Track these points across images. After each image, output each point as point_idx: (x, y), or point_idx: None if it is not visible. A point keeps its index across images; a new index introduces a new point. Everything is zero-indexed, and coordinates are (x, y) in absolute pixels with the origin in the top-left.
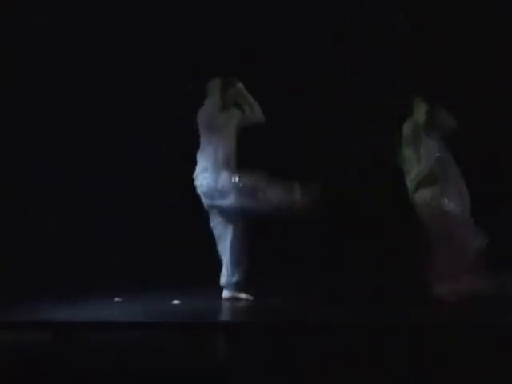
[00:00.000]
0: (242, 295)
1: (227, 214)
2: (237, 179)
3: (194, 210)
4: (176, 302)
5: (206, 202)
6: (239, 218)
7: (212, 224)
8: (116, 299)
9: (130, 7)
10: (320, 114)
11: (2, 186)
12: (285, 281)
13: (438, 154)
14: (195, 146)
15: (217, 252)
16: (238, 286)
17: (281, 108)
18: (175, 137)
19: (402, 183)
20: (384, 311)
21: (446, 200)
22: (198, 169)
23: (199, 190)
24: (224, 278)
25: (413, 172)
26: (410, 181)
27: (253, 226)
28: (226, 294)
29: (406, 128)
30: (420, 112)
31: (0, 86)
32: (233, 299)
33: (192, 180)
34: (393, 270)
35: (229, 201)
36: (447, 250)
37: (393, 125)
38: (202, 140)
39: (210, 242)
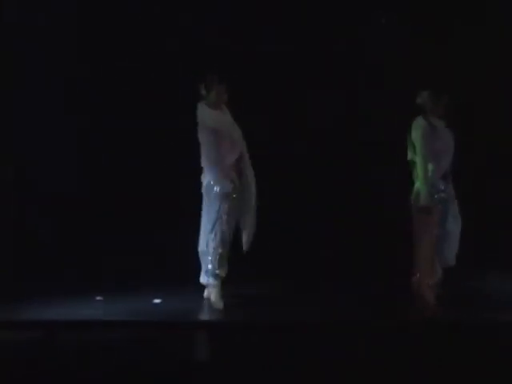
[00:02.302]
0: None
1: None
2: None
3: (179, 209)
4: (157, 300)
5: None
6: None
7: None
8: (97, 298)
9: (130, 7)
10: (322, 113)
11: None
12: (276, 279)
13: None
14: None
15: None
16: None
17: (281, 106)
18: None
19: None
20: (380, 310)
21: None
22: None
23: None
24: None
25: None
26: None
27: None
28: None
29: (419, 124)
30: (435, 105)
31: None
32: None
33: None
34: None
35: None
36: (429, 245)
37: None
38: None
39: (193, 240)
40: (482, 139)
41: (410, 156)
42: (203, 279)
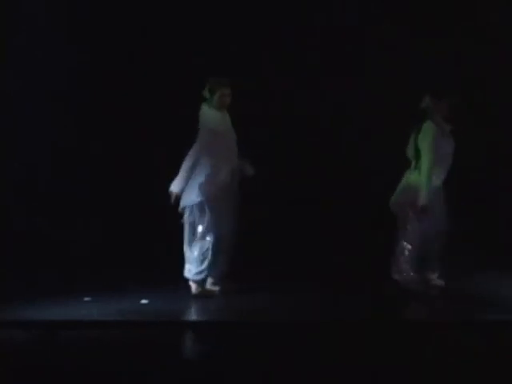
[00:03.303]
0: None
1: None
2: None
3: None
4: (144, 301)
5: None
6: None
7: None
8: (85, 299)
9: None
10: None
11: None
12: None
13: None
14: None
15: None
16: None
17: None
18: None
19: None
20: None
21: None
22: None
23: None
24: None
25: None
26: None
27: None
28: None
29: (430, 127)
30: (438, 108)
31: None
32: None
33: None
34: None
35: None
36: (416, 241)
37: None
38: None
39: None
40: (481, 139)
41: (409, 153)
42: (191, 275)
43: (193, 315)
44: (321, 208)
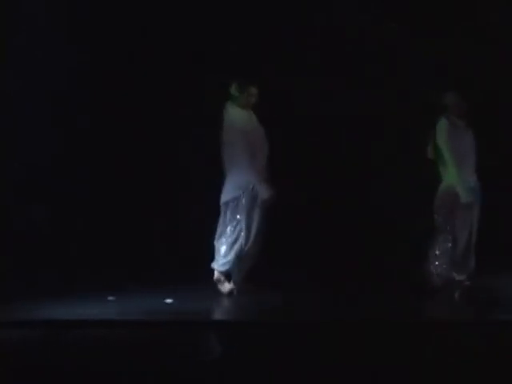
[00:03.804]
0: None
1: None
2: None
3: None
4: (169, 300)
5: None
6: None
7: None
8: (109, 298)
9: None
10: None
11: None
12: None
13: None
14: None
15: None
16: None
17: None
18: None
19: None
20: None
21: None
22: None
23: None
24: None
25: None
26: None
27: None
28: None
29: (443, 124)
30: (458, 106)
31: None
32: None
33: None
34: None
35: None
36: (447, 236)
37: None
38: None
39: (205, 239)
40: (481, 139)
41: (430, 155)
42: (217, 265)
43: (191, 315)
44: (321, 208)
